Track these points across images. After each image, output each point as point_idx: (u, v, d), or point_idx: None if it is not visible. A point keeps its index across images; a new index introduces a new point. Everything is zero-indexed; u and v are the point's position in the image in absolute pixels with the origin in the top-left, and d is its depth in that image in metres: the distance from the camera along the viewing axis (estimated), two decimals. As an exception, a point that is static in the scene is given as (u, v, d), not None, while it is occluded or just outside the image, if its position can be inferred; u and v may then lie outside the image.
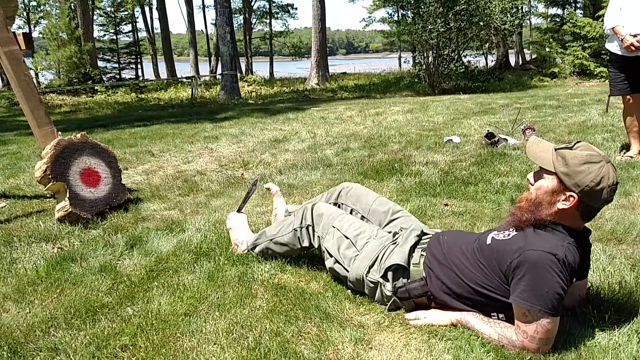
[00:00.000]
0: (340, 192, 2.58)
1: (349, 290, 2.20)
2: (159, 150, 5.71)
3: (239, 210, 2.81)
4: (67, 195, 3.22)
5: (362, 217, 2.47)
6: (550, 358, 1.69)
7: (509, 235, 1.84)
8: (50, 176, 3.19)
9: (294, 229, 2.39)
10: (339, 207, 2.52)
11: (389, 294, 2.04)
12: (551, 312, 1.66)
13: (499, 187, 3.62)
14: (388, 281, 2.04)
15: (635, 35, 3.93)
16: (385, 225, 2.39)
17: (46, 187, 3.24)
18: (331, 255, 2.23)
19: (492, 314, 1.86)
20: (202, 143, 6.09)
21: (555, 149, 1.79)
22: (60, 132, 3.45)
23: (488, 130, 5.31)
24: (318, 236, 2.31)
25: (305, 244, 2.36)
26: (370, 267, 2.08)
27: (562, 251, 1.67)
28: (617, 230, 2.74)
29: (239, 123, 7.96)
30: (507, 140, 5.04)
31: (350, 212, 2.49)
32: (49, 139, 3.33)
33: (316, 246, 2.33)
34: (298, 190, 3.88)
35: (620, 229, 2.76)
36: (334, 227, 2.26)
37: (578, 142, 1.80)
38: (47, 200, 3.85)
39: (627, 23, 4.00)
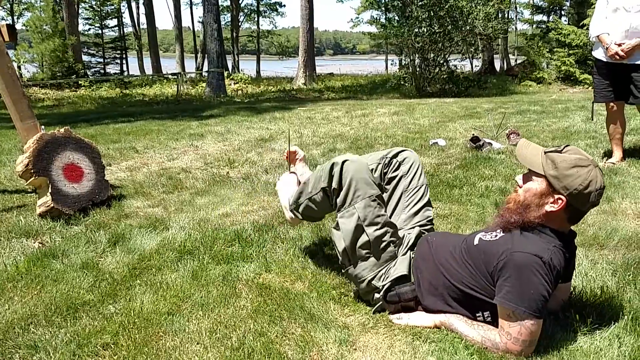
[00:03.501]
0: (399, 154, 2.38)
1: (334, 291, 2.20)
2: (143, 147, 5.66)
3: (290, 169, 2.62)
4: (49, 190, 3.17)
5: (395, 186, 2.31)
6: (532, 361, 1.71)
7: (496, 236, 1.85)
8: (32, 171, 3.14)
9: (322, 188, 2.18)
10: (391, 166, 2.35)
11: (378, 296, 2.04)
12: (535, 313, 1.67)
13: (483, 191, 3.65)
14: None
15: (619, 44, 3.99)
16: (412, 212, 2.26)
17: (28, 182, 3.19)
18: (344, 240, 2.06)
19: (477, 313, 1.87)
20: (187, 140, 6.05)
21: (545, 152, 1.81)
22: (43, 126, 3.40)
23: (473, 134, 5.35)
24: (338, 203, 2.10)
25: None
26: (377, 273, 2.03)
27: (548, 254, 1.69)
28: (599, 236, 2.78)
29: (225, 121, 7.92)
30: (491, 144, 5.08)
31: (398, 178, 2.32)
32: (31, 133, 3.28)
33: (335, 209, 2.15)
34: (284, 190, 3.86)
35: (603, 235, 2.79)
36: (355, 210, 2.03)
37: (567, 145, 1.82)
38: (29, 195, 3.79)
39: (612, 31, 4.06)
